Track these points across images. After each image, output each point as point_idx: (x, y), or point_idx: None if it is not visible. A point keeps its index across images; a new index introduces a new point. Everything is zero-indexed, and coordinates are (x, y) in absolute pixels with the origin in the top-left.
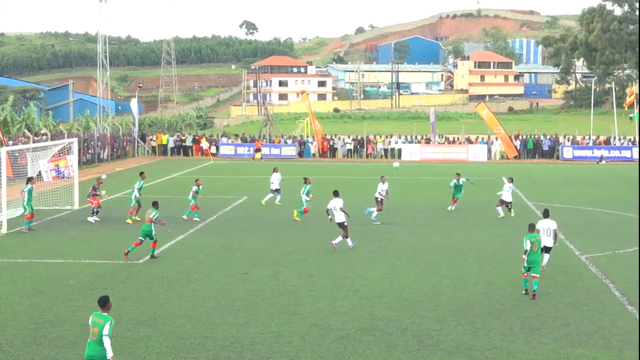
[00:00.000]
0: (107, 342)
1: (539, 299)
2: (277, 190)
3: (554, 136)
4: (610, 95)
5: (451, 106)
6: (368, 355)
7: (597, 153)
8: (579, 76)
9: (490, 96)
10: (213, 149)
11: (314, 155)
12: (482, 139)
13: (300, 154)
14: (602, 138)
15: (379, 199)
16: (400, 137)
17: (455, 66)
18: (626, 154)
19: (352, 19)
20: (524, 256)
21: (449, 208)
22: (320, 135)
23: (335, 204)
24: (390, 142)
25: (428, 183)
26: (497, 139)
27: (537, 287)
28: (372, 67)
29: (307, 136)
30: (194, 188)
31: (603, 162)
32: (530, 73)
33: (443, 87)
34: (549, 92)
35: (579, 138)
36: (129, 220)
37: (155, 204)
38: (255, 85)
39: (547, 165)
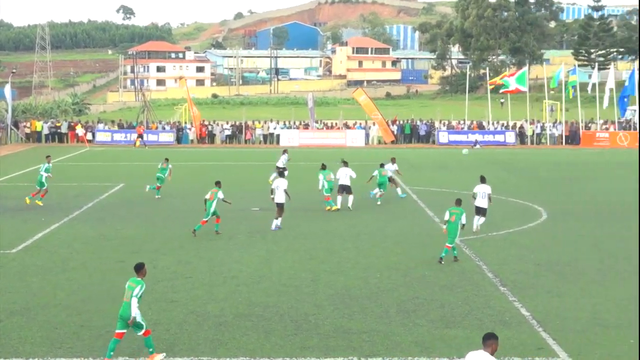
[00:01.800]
0: (134, 302)
1: (415, 282)
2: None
3: (430, 121)
4: (484, 80)
5: (329, 92)
6: (245, 341)
7: (472, 138)
8: (454, 62)
9: (368, 82)
10: (89, 136)
11: (192, 141)
12: (360, 124)
13: (179, 140)
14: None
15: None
16: (278, 123)
17: (333, 52)
18: (499, 138)
19: (231, 4)
20: (443, 226)
21: (378, 203)
22: (198, 121)
23: (280, 184)
24: (269, 127)
25: (306, 168)
26: (374, 124)
27: (445, 254)
28: (251, 52)
29: (185, 122)
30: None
31: (477, 146)
32: (407, 59)
33: (321, 73)
34: (426, 77)
35: (454, 123)
36: (28, 200)
37: (218, 183)
38: (132, 71)
39: (423, 149)
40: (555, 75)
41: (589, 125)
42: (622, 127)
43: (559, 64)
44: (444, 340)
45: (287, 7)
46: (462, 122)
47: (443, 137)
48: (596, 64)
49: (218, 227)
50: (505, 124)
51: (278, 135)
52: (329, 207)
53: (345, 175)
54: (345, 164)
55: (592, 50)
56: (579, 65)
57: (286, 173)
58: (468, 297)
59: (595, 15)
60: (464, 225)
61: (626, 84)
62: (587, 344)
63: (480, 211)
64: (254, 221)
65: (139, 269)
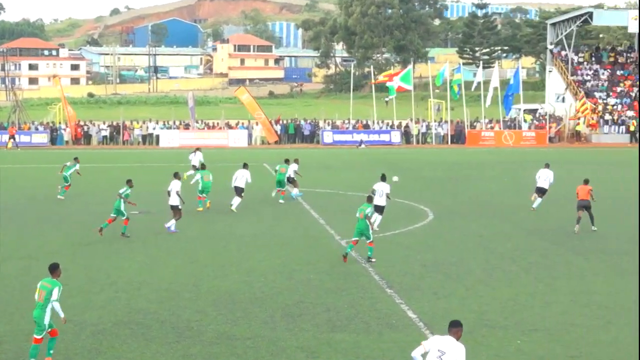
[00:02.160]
0: (57, 307)
1: (300, 286)
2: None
3: (314, 120)
4: (369, 79)
5: (211, 90)
6: (125, 349)
7: (357, 137)
8: (338, 60)
9: (251, 80)
10: None
11: (67, 142)
12: (243, 124)
13: (53, 141)
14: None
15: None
16: (158, 123)
17: (214, 49)
18: (385, 137)
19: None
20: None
21: (281, 201)
22: (73, 122)
23: (173, 186)
24: (147, 128)
25: (187, 170)
26: (257, 123)
27: (371, 253)
28: (128, 50)
29: (60, 122)
30: None
31: (362, 146)
32: (290, 57)
33: (202, 71)
34: (309, 76)
35: (339, 122)
36: None
37: (129, 182)
38: (2, 69)
39: (307, 149)
40: (440, 74)
41: (475, 124)
42: (507, 126)
43: (443, 62)
44: (330, 345)
45: (165, 3)
46: (346, 121)
47: (328, 137)
48: (481, 62)
49: (125, 229)
50: (390, 124)
51: (157, 136)
52: (200, 208)
53: (242, 177)
54: (245, 166)
55: (477, 49)
56: (463, 64)
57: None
58: (354, 300)
59: (480, 13)
60: (369, 216)
61: (511, 82)
62: (475, 346)
63: (378, 209)
64: (134, 225)
65: (54, 269)
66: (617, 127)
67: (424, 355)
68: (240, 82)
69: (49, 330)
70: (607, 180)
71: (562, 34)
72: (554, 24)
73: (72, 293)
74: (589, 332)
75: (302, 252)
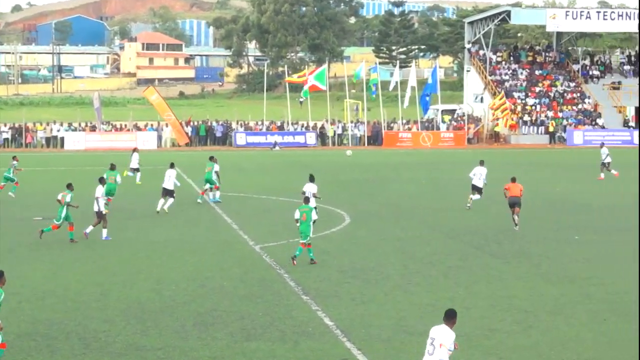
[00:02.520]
0: None
1: (212, 293)
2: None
3: (227, 122)
4: (283, 78)
5: (118, 91)
6: None
7: (271, 139)
8: (251, 59)
9: (160, 80)
10: None
11: None
12: (152, 125)
13: None
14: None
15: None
16: (62, 125)
17: (121, 48)
18: (300, 139)
19: None
20: (297, 224)
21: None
22: None
23: (96, 192)
24: (52, 130)
25: (94, 174)
26: (167, 125)
27: (299, 253)
28: (31, 48)
29: None
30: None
31: (277, 148)
32: (201, 56)
33: (109, 70)
34: (221, 75)
35: (252, 124)
36: None
37: (69, 186)
38: None
39: (220, 152)
40: (356, 73)
41: (392, 125)
42: (425, 127)
43: (359, 62)
44: (245, 354)
45: (70, 0)
46: (260, 122)
47: (240, 138)
48: (398, 61)
49: (72, 235)
50: (305, 125)
51: (62, 138)
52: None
53: (169, 178)
54: (172, 165)
55: (394, 48)
56: (380, 63)
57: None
58: (269, 307)
59: (396, 11)
60: (315, 221)
61: (429, 81)
62: (393, 353)
63: None
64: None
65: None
66: (536, 128)
67: None
68: (149, 82)
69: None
70: (527, 182)
71: (480, 32)
72: (471, 23)
73: None
74: (509, 337)
75: (214, 258)
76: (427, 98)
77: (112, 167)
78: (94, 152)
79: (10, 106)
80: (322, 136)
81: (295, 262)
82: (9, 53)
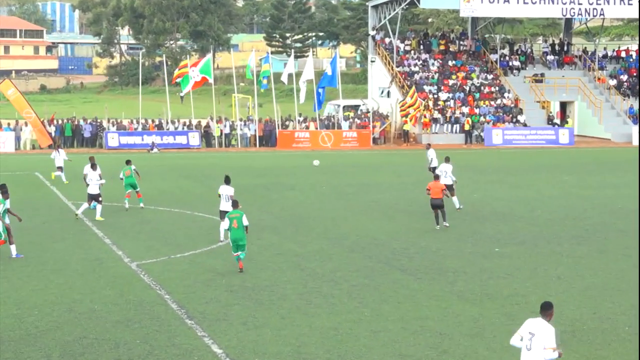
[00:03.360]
0: None
1: (82, 318)
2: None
3: (97, 120)
4: (161, 70)
5: None
6: None
7: (148, 139)
8: (124, 48)
9: (17, 72)
10: None
11: None
12: (9, 124)
13: None
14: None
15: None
16: None
17: None
18: (181, 139)
19: None
20: (223, 231)
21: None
22: None
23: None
24: None
25: None
26: (26, 124)
27: (243, 256)
28: None
29: None
30: None
31: (155, 150)
32: (65, 44)
33: None
34: (89, 66)
35: (126, 122)
36: None
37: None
38: None
39: (88, 155)
40: (248, 64)
41: (287, 123)
42: (325, 125)
43: (249, 51)
44: None
45: None
46: (135, 121)
47: (112, 139)
48: (292, 50)
49: None
50: (187, 123)
51: None
52: None
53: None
54: (93, 166)
55: (288, 35)
56: (272, 52)
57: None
58: (148, 334)
59: None
60: (247, 227)
61: (327, 72)
62: None
63: (224, 215)
64: None
65: None
66: (450, 126)
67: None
68: (4, 73)
69: None
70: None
71: (385, 17)
72: (375, 7)
73: None
74: None
75: (83, 278)
76: (321, 90)
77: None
78: None
79: None
80: (206, 136)
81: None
82: None
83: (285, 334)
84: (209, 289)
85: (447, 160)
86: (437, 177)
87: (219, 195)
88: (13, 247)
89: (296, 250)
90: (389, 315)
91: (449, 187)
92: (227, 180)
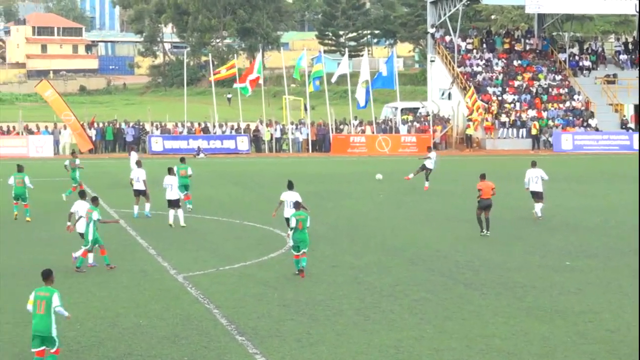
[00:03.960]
0: (60, 310)
1: (126, 334)
2: None
3: (139, 123)
4: (207, 70)
5: (4, 85)
6: None
7: (194, 144)
8: (167, 47)
9: (56, 72)
10: None
11: None
12: (47, 127)
13: None
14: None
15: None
16: None
17: (7, 32)
18: (229, 144)
19: None
20: (289, 232)
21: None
22: None
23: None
24: None
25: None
26: (65, 127)
27: (305, 263)
28: None
29: None
30: None
31: (201, 155)
32: (106, 42)
33: None
34: (131, 66)
35: (170, 125)
36: None
37: (95, 200)
38: None
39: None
40: (297, 63)
41: (341, 127)
42: (382, 129)
43: (300, 50)
44: None
45: None
46: (180, 124)
47: (156, 143)
48: (347, 49)
49: (107, 259)
50: (236, 127)
51: None
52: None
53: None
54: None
55: (341, 33)
56: (325, 52)
57: None
58: (196, 350)
59: None
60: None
61: (383, 73)
62: None
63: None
64: None
65: (48, 275)
66: (516, 131)
67: None
68: (42, 74)
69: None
70: (506, 196)
71: (445, 14)
72: (434, 3)
73: None
74: None
75: (127, 291)
76: (365, 86)
77: (20, 169)
78: None
79: None
80: (256, 140)
81: (299, 272)
82: None
83: (342, 351)
84: (261, 303)
85: (534, 165)
86: (483, 177)
87: (281, 202)
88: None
89: (352, 263)
90: (452, 332)
91: (540, 195)
92: (291, 186)
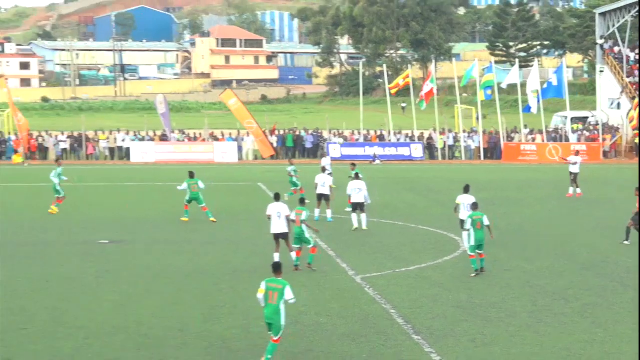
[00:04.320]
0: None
1: (307, 331)
2: None
3: (318, 131)
4: (382, 80)
5: (190, 94)
6: None
7: (370, 151)
8: (344, 57)
9: (239, 82)
10: None
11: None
12: (231, 135)
13: (0, 155)
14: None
15: None
16: (128, 134)
17: (193, 44)
18: (404, 151)
19: None
20: (465, 234)
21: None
22: (25, 132)
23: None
24: (116, 139)
25: (166, 190)
26: (248, 134)
27: (484, 264)
28: (89, 44)
29: (9, 133)
30: None
31: (377, 161)
32: (285, 53)
33: (179, 71)
34: (309, 76)
35: (347, 133)
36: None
37: (302, 201)
38: None
39: (310, 166)
40: (466, 73)
41: (512, 135)
42: (552, 138)
43: (471, 60)
44: None
45: None
46: (357, 131)
47: (334, 150)
48: (517, 60)
49: (312, 258)
50: (410, 135)
51: (128, 149)
52: (186, 218)
53: (358, 191)
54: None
55: (511, 44)
56: (496, 62)
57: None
58: (374, 348)
59: (513, 0)
60: (488, 226)
61: (553, 83)
62: None
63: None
64: (102, 256)
65: (278, 268)
66: None
67: None
68: (225, 83)
69: (276, 337)
70: None
71: (614, 25)
72: (603, 14)
73: (33, 339)
74: None
75: (308, 290)
76: (535, 95)
77: (191, 175)
78: (165, 165)
79: (67, 112)
80: (429, 148)
81: (477, 272)
82: (65, 50)
83: (515, 352)
84: (436, 304)
85: None
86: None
87: (458, 205)
88: (293, 254)
89: (525, 267)
90: (623, 336)
91: None
92: (467, 189)
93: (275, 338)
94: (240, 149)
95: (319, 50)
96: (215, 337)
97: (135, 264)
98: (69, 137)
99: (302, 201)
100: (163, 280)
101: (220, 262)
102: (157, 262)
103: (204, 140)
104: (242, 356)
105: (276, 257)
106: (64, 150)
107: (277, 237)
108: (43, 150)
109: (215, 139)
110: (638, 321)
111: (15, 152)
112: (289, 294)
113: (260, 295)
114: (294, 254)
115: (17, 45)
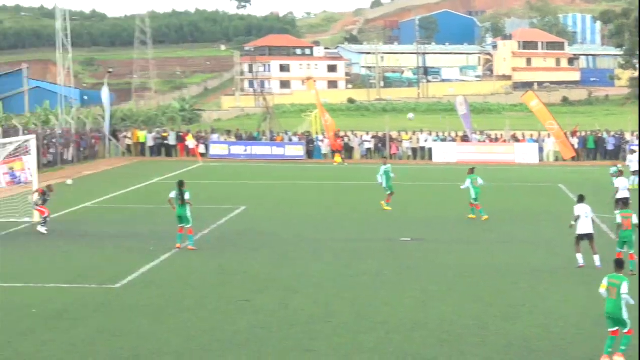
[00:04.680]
0: (626, 298)
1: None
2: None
3: (620, 133)
4: None
5: (492, 96)
6: None
7: None
8: None
9: (540, 84)
10: (202, 148)
11: (325, 155)
12: (532, 136)
13: (309, 154)
14: None
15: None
16: (430, 134)
17: (494, 47)
18: None
19: None
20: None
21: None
22: (332, 132)
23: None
24: (418, 139)
25: (466, 190)
26: (549, 136)
27: (633, 267)
28: (393, 48)
29: (317, 133)
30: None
31: None
32: (587, 56)
33: (481, 73)
34: (611, 78)
35: None
36: None
37: (626, 202)
38: (250, 71)
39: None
40: None
41: None
42: None
43: None
44: None
45: None
46: None
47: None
48: None
49: (634, 265)
50: None
51: (430, 149)
52: (473, 216)
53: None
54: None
55: None
56: None
57: None
58: None
59: None
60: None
61: None
62: None
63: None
64: (403, 253)
65: (621, 264)
66: None
67: None
68: (526, 85)
69: (627, 330)
70: None
71: None
72: None
73: (337, 331)
74: None
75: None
76: None
77: (471, 171)
78: (466, 166)
79: (372, 112)
80: None
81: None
82: (370, 54)
83: None
84: None
85: None
86: None
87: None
88: (596, 257)
89: None
90: None
91: None
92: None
93: (625, 330)
94: (541, 150)
95: (621, 53)
96: (514, 335)
97: (435, 262)
98: (373, 137)
99: (625, 202)
100: (463, 278)
101: (519, 261)
102: (456, 260)
103: (505, 141)
104: (541, 356)
105: (579, 258)
106: (369, 150)
107: (583, 237)
108: (348, 150)
109: (516, 140)
110: (639, 321)
111: (335, 152)
112: (624, 288)
113: (602, 290)
114: (597, 257)
115: (325, 48)
